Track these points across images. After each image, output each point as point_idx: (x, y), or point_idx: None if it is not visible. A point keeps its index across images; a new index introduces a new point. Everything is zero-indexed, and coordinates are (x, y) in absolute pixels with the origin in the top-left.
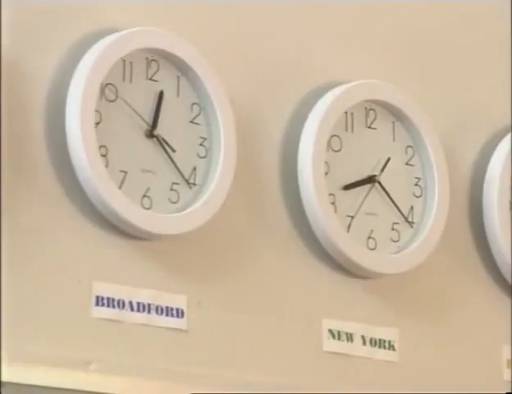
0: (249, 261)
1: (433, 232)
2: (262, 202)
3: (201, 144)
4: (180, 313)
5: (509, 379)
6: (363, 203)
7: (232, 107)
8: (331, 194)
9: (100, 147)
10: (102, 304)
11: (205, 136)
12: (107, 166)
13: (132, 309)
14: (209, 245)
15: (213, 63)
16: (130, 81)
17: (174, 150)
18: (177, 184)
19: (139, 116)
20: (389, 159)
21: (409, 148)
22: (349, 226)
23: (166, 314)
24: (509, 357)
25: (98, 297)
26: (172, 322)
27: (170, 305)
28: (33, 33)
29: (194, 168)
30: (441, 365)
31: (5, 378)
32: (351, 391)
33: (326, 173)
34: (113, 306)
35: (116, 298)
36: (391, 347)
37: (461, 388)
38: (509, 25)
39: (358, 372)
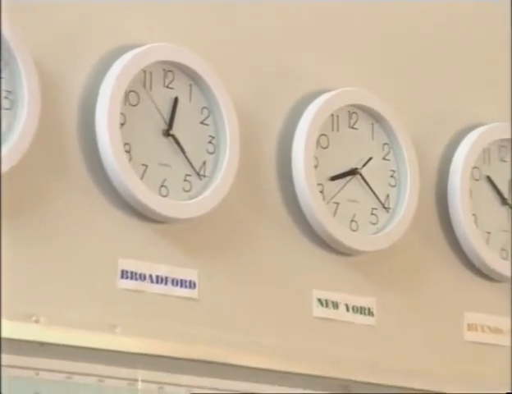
0: (250, 241)
1: (406, 216)
2: (261, 191)
3: (210, 142)
4: (192, 285)
5: (470, 340)
6: (347, 191)
7: (236, 111)
8: (319, 184)
9: (124, 144)
10: (127, 277)
11: (213, 135)
12: (130, 160)
13: (152, 281)
14: (217, 227)
15: (220, 73)
16: (150, 89)
17: (184, 150)
18: (190, 175)
19: (161, 115)
20: (370, 158)
21: (386, 146)
22: (335, 211)
23: (181, 286)
24: (470, 322)
25: (123, 271)
26: (186, 292)
27: (184, 278)
28: (69, 49)
29: (204, 162)
30: (412, 328)
31: (44, 339)
32: (337, 349)
33: (315, 166)
34: (136, 279)
35: (139, 272)
36: (370, 313)
37: (429, 346)
38: (473, 32)
39: (342, 334)
